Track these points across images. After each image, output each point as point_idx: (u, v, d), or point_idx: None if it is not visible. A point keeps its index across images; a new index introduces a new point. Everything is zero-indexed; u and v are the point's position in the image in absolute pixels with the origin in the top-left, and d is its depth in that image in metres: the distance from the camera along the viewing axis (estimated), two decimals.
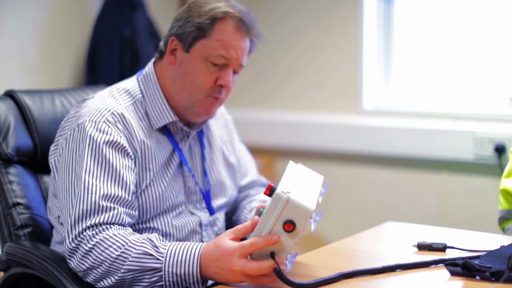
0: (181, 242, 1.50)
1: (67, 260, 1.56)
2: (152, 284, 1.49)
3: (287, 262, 1.39)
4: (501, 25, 3.11)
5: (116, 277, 1.50)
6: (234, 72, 1.76)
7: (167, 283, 1.48)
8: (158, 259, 1.48)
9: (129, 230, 1.57)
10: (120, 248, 1.50)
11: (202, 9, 1.71)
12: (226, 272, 1.41)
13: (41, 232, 1.85)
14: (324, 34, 3.48)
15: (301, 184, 1.44)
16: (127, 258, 1.49)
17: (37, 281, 1.74)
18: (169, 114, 1.75)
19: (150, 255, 1.49)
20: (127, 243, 1.51)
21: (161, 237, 1.54)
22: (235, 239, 1.43)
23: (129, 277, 1.49)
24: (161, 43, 1.79)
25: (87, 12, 3.42)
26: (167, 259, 1.48)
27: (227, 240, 1.43)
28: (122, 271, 1.49)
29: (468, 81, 3.20)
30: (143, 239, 1.52)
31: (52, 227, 1.84)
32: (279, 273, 1.37)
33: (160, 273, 1.48)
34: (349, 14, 3.38)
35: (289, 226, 1.36)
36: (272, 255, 1.38)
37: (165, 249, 1.49)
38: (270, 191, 1.41)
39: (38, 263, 1.65)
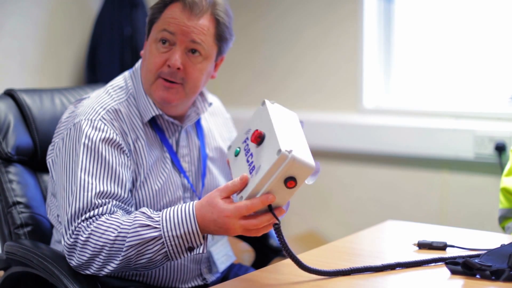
0: (172, 206, 1.52)
1: (68, 259, 1.56)
2: (155, 253, 1.50)
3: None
4: (501, 23, 3.10)
5: (119, 258, 1.51)
6: (194, 51, 1.70)
7: (170, 248, 1.49)
8: (155, 227, 1.50)
9: (120, 212, 1.58)
10: (117, 229, 1.52)
11: None
12: (225, 230, 1.45)
13: (41, 231, 1.85)
14: (324, 33, 3.48)
15: (293, 134, 1.41)
16: (126, 236, 1.50)
17: (37, 280, 1.74)
18: (151, 108, 1.74)
19: (147, 225, 1.50)
20: (121, 223, 1.52)
21: (151, 210, 1.55)
22: (227, 198, 1.45)
23: (132, 253, 1.50)
24: None
25: (87, 11, 3.42)
26: (164, 224, 1.49)
27: (220, 200, 1.44)
28: (124, 249, 1.50)
29: (468, 80, 3.19)
30: (135, 214, 1.53)
31: (52, 226, 1.84)
32: (278, 230, 1.40)
33: (161, 240, 1.49)
34: (349, 13, 3.38)
35: (291, 183, 1.35)
36: (271, 209, 1.39)
37: (159, 217, 1.51)
38: (260, 139, 1.38)
39: (38, 262, 1.65)
